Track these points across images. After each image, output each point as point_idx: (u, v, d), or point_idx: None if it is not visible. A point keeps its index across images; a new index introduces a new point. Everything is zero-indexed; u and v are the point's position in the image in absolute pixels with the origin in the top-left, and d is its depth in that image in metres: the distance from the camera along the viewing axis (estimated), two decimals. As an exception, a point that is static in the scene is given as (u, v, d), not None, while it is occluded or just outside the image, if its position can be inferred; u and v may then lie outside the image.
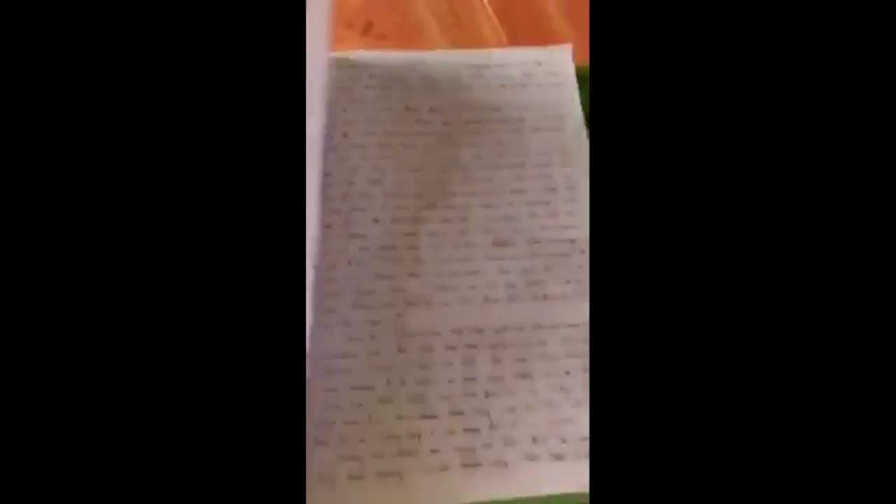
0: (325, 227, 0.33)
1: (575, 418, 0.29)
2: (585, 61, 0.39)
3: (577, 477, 0.28)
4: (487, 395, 0.29)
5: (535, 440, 0.29)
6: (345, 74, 0.37)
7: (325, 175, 0.34)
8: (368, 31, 0.42)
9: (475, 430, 0.29)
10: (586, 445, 0.29)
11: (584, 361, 0.30)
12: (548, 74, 0.39)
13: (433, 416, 0.29)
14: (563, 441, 0.29)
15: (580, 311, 0.32)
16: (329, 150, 0.35)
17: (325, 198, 0.34)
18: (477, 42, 0.41)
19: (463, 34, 0.42)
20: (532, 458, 0.29)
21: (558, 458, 0.28)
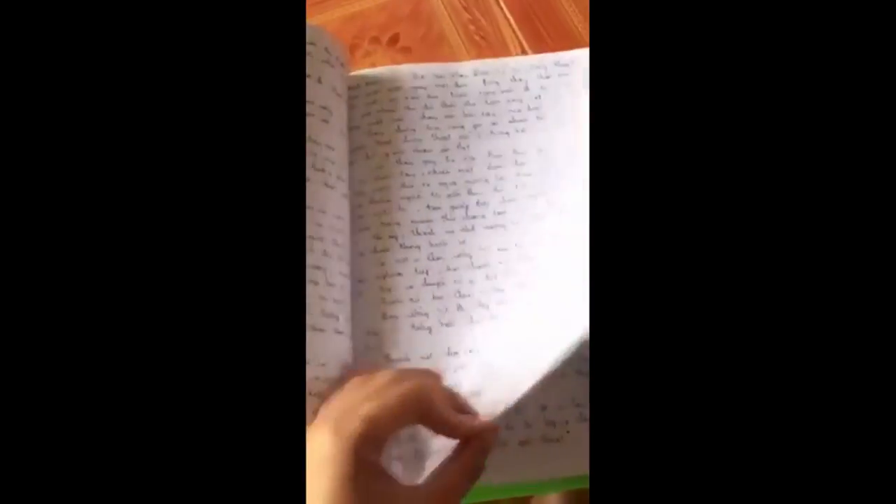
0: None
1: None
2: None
3: None
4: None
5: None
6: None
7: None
8: (394, 45, 0.43)
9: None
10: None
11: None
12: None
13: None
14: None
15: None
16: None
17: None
18: (501, 51, 0.41)
19: (486, 44, 0.41)
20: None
21: None
